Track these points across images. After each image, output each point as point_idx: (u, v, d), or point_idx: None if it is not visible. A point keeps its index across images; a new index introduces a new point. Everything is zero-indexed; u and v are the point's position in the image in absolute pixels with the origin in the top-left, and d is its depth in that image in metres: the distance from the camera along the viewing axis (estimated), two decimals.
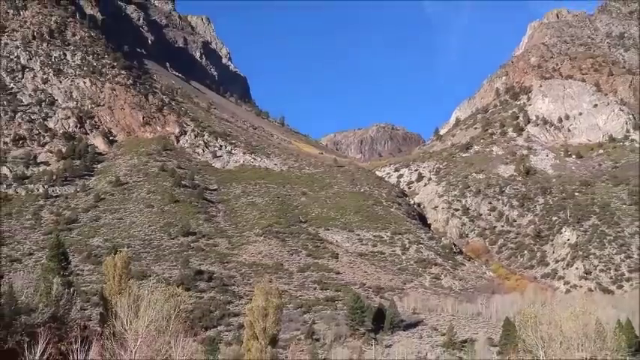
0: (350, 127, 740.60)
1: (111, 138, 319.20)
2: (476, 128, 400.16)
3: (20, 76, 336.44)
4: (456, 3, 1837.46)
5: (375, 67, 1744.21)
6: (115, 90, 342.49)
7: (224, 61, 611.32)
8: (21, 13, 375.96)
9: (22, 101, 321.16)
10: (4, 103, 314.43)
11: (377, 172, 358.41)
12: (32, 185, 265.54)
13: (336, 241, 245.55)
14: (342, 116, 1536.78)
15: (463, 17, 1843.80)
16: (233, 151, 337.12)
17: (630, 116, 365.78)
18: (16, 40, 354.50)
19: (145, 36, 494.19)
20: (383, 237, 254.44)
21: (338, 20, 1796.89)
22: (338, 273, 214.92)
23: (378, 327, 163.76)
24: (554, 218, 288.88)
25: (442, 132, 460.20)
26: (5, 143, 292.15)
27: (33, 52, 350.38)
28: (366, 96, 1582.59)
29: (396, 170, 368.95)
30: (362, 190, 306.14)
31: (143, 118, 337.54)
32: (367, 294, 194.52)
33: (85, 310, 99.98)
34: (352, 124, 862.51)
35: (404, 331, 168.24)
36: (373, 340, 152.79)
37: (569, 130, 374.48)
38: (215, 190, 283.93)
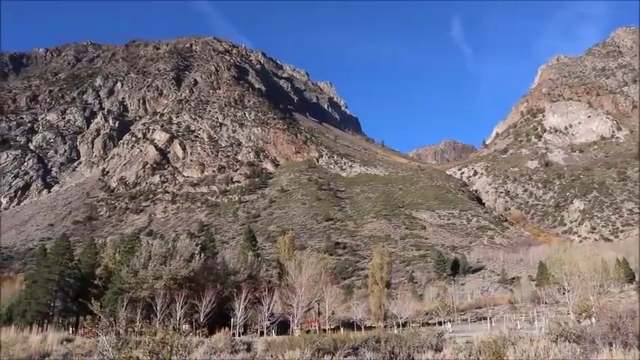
0: (427, 143, 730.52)
1: (276, 163, 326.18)
2: (509, 138, 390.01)
3: (219, 129, 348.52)
4: (483, 58, 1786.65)
5: (439, 102, 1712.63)
6: (276, 133, 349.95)
7: (343, 108, 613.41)
8: (217, 91, 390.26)
9: (221, 145, 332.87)
10: (211, 146, 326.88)
11: (447, 172, 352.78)
12: (231, 195, 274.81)
13: (423, 218, 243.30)
14: (422, 135, 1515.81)
15: (491, 65, 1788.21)
16: (353, 165, 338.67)
17: (614, 122, 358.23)
18: (215, 107, 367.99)
19: (292, 97, 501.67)
20: (454, 213, 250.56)
21: (409, 70, 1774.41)
22: (426, 238, 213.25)
23: (455, 272, 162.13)
24: (567, 194, 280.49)
25: (487, 142, 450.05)
26: (213, 171, 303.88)
27: (225, 114, 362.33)
28: (437, 119, 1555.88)
29: (459, 169, 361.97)
30: (438, 184, 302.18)
31: (295, 148, 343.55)
32: (446, 251, 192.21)
33: (268, 271, 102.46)
34: (428, 141, 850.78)
35: (472, 274, 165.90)
36: (452, 281, 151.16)
37: (572, 135, 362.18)
38: (343, 190, 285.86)
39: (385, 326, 76.62)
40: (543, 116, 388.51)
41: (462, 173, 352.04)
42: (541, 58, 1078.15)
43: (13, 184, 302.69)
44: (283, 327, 68.39)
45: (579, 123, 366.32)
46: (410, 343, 29.59)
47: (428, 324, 79.40)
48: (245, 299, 60.27)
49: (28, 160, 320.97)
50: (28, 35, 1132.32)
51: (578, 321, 49.64)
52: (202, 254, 67.32)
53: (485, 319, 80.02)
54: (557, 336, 26.49)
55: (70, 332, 57.85)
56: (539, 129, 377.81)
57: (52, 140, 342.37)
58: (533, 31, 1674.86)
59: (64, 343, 34.01)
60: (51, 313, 70.13)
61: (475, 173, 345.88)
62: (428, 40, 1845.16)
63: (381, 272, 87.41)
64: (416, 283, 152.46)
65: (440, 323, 78.32)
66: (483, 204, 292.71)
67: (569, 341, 25.33)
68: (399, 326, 72.47)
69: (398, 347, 28.44)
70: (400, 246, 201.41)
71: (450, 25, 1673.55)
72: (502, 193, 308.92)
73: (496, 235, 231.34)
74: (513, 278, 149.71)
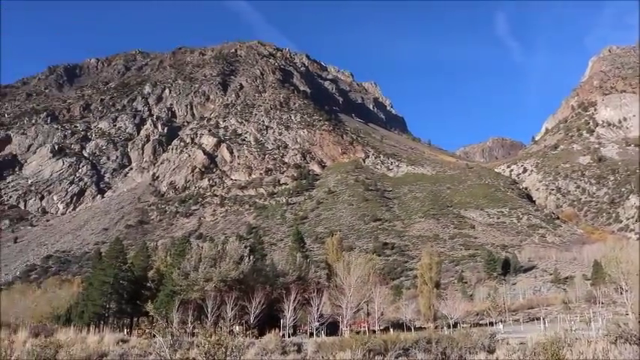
0: (474, 141, 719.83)
1: (323, 164, 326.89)
2: (560, 133, 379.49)
3: (265, 132, 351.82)
4: (531, 52, 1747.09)
5: (485, 98, 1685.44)
6: (322, 134, 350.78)
7: (388, 108, 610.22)
8: (262, 95, 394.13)
9: (268, 147, 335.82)
10: (258, 149, 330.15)
11: (495, 170, 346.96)
12: (278, 198, 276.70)
13: (472, 217, 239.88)
14: (469, 132, 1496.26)
15: (538, 59, 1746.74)
16: (399, 165, 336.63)
17: None
18: (261, 111, 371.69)
19: (337, 99, 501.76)
20: (503, 212, 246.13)
21: (454, 67, 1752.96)
22: (475, 238, 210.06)
23: (506, 272, 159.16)
24: (622, 189, 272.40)
25: (537, 138, 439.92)
26: (260, 174, 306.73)
27: (271, 117, 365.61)
28: (484, 116, 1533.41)
29: (508, 167, 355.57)
30: (486, 182, 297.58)
31: (341, 149, 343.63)
32: (496, 250, 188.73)
33: (316, 272, 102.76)
34: (476, 139, 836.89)
35: (523, 273, 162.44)
36: (503, 281, 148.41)
37: (627, 128, 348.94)
38: (390, 190, 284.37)
39: (435, 327, 75.86)
40: (595, 110, 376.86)
41: (511, 171, 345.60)
42: (592, 50, 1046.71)
43: (69, 190, 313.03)
44: (333, 328, 68.41)
45: (634, 116, 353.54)
46: (462, 344, 29.20)
47: (479, 325, 78.12)
48: (294, 300, 60.46)
49: (83, 167, 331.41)
50: (80, 46, 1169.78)
51: (639, 322, 47.97)
52: (251, 256, 67.95)
53: (538, 319, 78.29)
54: (617, 337, 25.65)
55: (125, 333, 59.33)
56: (591, 123, 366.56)
57: (104, 147, 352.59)
58: (583, 21, 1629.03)
59: (120, 343, 34.98)
60: (106, 315, 72.17)
61: (525, 170, 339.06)
62: (472, 36, 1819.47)
63: (430, 272, 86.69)
64: (466, 283, 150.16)
65: (491, 324, 76.96)
66: (534, 202, 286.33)
67: (629, 343, 24.48)
68: (449, 327, 71.59)
69: (449, 348, 28.12)
70: (449, 246, 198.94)
71: (495, 19, 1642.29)
72: (553, 190, 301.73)
73: (548, 233, 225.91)
74: (567, 278, 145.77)
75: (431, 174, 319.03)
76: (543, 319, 72.63)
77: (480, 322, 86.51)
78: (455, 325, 73.93)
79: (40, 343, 24.56)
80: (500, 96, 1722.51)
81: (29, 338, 35.16)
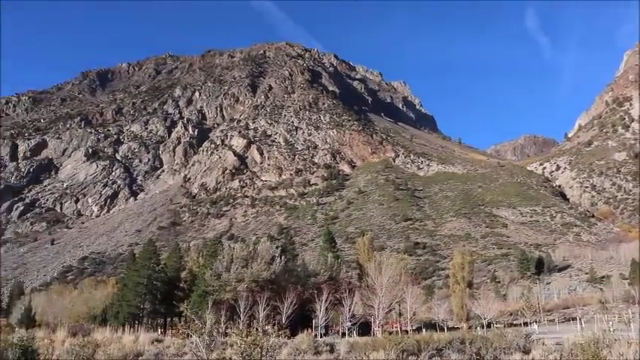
0: (505, 139, 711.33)
1: (352, 164, 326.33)
2: (594, 130, 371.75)
3: (295, 133, 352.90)
4: (562, 47, 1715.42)
5: (516, 95, 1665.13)
6: (351, 134, 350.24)
7: (417, 107, 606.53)
8: (291, 96, 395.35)
9: (297, 148, 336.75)
10: (288, 150, 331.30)
11: (527, 168, 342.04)
12: (309, 198, 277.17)
13: (505, 215, 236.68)
14: (500, 130, 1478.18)
15: (570, 54, 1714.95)
16: (430, 164, 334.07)
17: None
18: (290, 112, 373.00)
19: (366, 98, 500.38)
20: (536, 210, 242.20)
21: (483, 65, 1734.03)
22: (508, 237, 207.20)
23: (539, 271, 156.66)
24: None
25: (570, 135, 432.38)
26: (290, 174, 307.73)
27: (300, 117, 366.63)
28: (515, 114, 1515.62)
29: (541, 164, 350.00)
30: (518, 181, 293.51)
31: (371, 149, 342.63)
32: (529, 249, 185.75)
33: (348, 272, 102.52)
34: (507, 137, 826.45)
35: (558, 272, 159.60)
36: (537, 280, 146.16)
37: None
38: (421, 190, 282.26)
39: (469, 327, 75.13)
40: (631, 105, 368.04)
41: (544, 168, 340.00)
42: (626, 43, 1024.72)
43: (102, 193, 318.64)
44: (365, 328, 68.30)
45: None
46: (496, 344, 28.85)
47: (513, 325, 77.06)
48: (326, 301, 60.54)
49: (116, 169, 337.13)
50: (112, 52, 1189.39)
51: None
52: (283, 257, 68.29)
53: (574, 319, 76.82)
54: None
55: (159, 333, 60.15)
56: (626, 119, 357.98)
57: (136, 150, 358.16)
58: (616, 15, 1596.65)
59: (155, 343, 35.44)
60: (141, 315, 73.36)
61: (558, 168, 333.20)
62: (501, 33, 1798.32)
63: (463, 272, 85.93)
64: (498, 282, 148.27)
65: (525, 324, 75.80)
66: (568, 200, 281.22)
67: None
68: (482, 327, 70.80)
69: (484, 349, 27.79)
70: (481, 245, 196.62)
71: (524, 15, 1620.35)
72: (588, 187, 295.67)
73: (582, 231, 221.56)
74: (603, 277, 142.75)
75: (462, 173, 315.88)
76: (580, 319, 71.25)
77: (514, 322, 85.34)
78: (488, 326, 73.05)
79: (78, 343, 25.10)
80: (532, 93, 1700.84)
81: (67, 338, 36.01)
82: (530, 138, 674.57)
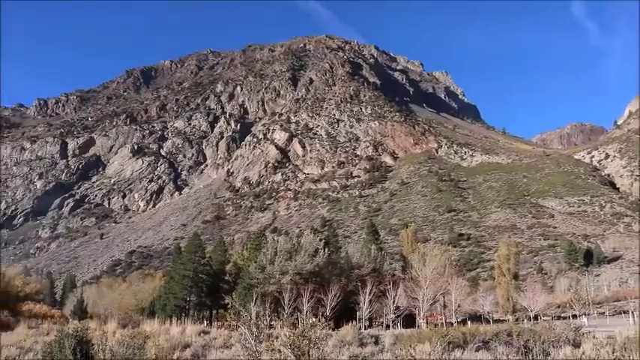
0: (551, 128, 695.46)
1: (395, 156, 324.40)
2: None
3: (336, 126, 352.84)
4: (610, 32, 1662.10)
5: (562, 83, 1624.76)
6: (393, 126, 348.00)
7: (460, 97, 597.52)
8: (332, 88, 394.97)
9: (339, 140, 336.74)
10: (330, 143, 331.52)
11: (575, 157, 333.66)
12: (351, 190, 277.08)
13: (551, 206, 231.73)
14: (546, 119, 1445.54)
15: (619, 39, 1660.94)
16: (473, 155, 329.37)
17: None
18: (332, 104, 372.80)
19: (408, 89, 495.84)
20: (584, 200, 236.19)
21: (528, 52, 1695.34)
22: (555, 227, 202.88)
23: (588, 262, 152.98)
24: None
25: (619, 122, 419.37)
26: (333, 167, 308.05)
27: (342, 110, 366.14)
28: (561, 101, 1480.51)
29: (589, 153, 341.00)
30: (565, 170, 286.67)
31: (413, 140, 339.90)
32: (577, 240, 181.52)
33: (391, 264, 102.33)
34: (553, 125, 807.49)
35: (607, 264, 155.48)
36: (586, 272, 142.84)
37: None
38: (465, 180, 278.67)
39: (516, 319, 73.99)
40: None
41: (592, 157, 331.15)
42: None
43: (148, 188, 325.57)
44: (409, 320, 68.06)
45: None
46: (544, 337, 28.31)
47: (561, 318, 75.60)
48: (370, 293, 60.50)
49: (160, 165, 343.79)
50: (155, 49, 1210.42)
51: None
52: (326, 249, 68.54)
53: (625, 312, 74.76)
54: None
55: (205, 325, 61.23)
56: None
57: (180, 146, 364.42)
58: None
59: (202, 334, 36.15)
60: (187, 307, 74.82)
61: (607, 156, 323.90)
62: (546, 19, 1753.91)
63: (508, 263, 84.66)
64: (545, 274, 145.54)
65: (574, 317, 74.24)
66: (618, 189, 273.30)
67: None
68: (529, 319, 69.64)
69: (532, 341, 27.33)
70: (527, 236, 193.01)
71: (571, 1, 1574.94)
72: (639, 176, 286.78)
73: (634, 221, 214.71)
74: None
75: (506, 162, 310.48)
76: (632, 312, 69.34)
77: (562, 314, 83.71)
78: (535, 318, 71.84)
79: (129, 334, 25.82)
80: (578, 80, 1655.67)
81: (118, 329, 37.12)
82: (577, 126, 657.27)
